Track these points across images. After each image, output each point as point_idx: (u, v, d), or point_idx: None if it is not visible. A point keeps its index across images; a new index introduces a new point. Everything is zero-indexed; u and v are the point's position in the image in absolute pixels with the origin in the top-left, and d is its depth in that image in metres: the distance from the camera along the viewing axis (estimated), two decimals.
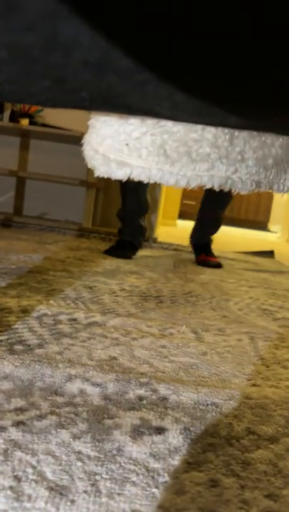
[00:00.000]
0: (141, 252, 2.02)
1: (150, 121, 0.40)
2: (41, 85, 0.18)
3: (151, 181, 0.42)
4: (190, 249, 2.37)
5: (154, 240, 2.45)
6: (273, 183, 0.48)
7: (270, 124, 0.24)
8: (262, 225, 6.37)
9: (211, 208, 1.98)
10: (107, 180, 2.45)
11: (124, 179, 0.42)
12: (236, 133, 0.43)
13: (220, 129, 0.42)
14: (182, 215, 5.21)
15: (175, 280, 1.41)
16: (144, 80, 0.20)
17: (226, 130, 0.42)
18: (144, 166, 0.42)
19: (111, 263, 1.57)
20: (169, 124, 0.40)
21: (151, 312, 0.94)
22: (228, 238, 3.20)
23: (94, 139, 0.44)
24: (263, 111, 0.23)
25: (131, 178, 0.42)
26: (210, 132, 0.41)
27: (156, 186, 2.47)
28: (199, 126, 0.41)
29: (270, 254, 2.63)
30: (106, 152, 0.42)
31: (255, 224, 6.35)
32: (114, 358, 0.63)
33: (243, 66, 0.19)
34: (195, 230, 2.08)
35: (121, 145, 0.42)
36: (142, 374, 0.58)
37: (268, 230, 6.41)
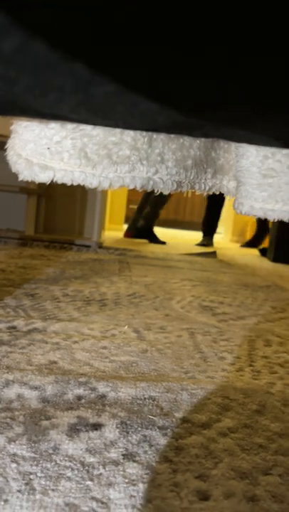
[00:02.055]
0: (86, 257, 2.02)
1: (70, 126, 0.41)
2: None
3: (75, 183, 0.43)
4: (135, 253, 2.41)
5: (100, 245, 2.45)
6: (195, 183, 0.51)
7: (173, 126, 0.26)
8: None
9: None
10: (49, 187, 2.43)
11: (48, 182, 0.43)
12: (154, 135, 0.45)
13: (138, 132, 0.44)
14: (128, 220, 5.25)
15: (120, 283, 1.43)
16: (44, 92, 0.21)
17: (144, 133, 0.44)
18: (66, 169, 0.43)
19: (54, 270, 1.56)
20: (88, 128, 0.41)
21: (93, 315, 0.95)
22: (173, 240, 3.27)
23: (17, 143, 0.45)
24: (160, 113, 0.25)
25: (54, 181, 0.43)
26: (129, 135, 0.43)
27: (96, 192, 2.48)
28: (118, 130, 0.43)
29: (213, 254, 2.71)
30: (29, 156, 0.43)
31: (200, 226, 6.50)
32: (54, 362, 0.63)
33: (137, 72, 0.21)
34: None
35: (43, 149, 0.42)
36: (81, 374, 0.59)
37: None
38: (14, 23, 0.14)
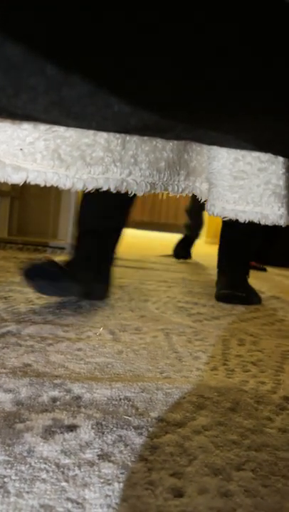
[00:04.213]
0: (61, 259, 2.01)
1: (43, 127, 0.41)
2: None
3: (48, 185, 0.43)
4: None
5: None
6: (168, 185, 0.51)
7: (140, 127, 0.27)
8: (181, 229, 6.60)
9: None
10: (23, 189, 2.40)
11: (21, 183, 0.43)
12: (128, 137, 0.45)
13: (112, 133, 0.44)
14: None
15: None
16: (17, 92, 0.21)
17: (118, 135, 0.44)
18: (39, 170, 0.43)
19: None
20: (61, 130, 0.41)
21: (69, 317, 0.94)
22: (149, 242, 3.28)
23: None
24: (131, 116, 0.26)
25: (27, 182, 0.43)
26: (102, 137, 0.43)
27: (70, 194, 2.47)
28: (91, 132, 0.43)
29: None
30: (1, 157, 0.42)
31: (175, 227, 6.55)
32: (29, 365, 0.63)
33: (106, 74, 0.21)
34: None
35: (15, 150, 0.42)
36: (56, 376, 0.59)
37: None
38: None
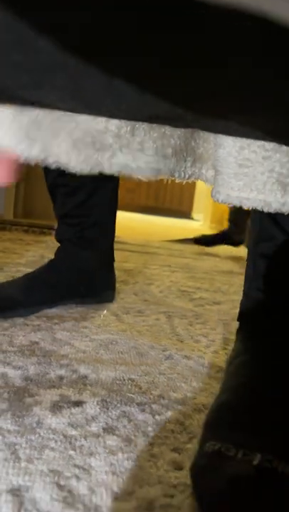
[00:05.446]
0: None
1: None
2: None
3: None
4: (116, 239, 2.41)
5: None
6: (174, 171, 0.53)
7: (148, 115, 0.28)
8: (186, 214, 6.59)
9: None
10: (28, 171, 2.41)
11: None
12: (137, 124, 0.46)
13: (122, 120, 0.45)
14: None
15: None
16: (34, 84, 0.22)
17: (128, 121, 0.46)
18: None
19: (34, 254, 1.56)
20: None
21: None
22: (153, 227, 3.29)
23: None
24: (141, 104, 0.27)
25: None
26: (113, 124, 0.45)
27: None
28: (103, 119, 0.44)
29: (191, 241, 2.75)
30: None
31: (179, 213, 6.55)
32: (36, 343, 0.65)
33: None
34: None
35: None
36: (62, 356, 0.61)
37: (192, 219, 6.65)
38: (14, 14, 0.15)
